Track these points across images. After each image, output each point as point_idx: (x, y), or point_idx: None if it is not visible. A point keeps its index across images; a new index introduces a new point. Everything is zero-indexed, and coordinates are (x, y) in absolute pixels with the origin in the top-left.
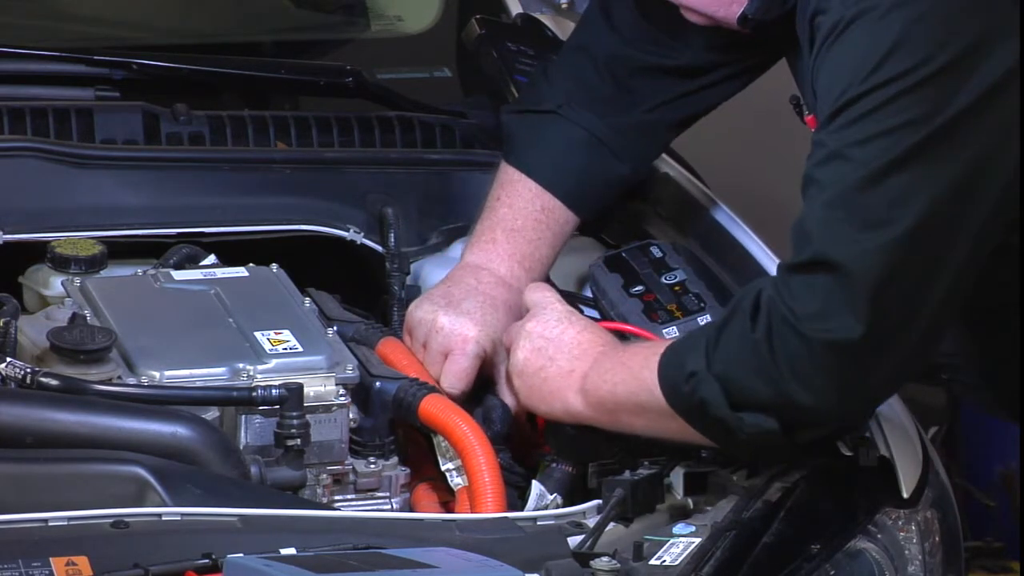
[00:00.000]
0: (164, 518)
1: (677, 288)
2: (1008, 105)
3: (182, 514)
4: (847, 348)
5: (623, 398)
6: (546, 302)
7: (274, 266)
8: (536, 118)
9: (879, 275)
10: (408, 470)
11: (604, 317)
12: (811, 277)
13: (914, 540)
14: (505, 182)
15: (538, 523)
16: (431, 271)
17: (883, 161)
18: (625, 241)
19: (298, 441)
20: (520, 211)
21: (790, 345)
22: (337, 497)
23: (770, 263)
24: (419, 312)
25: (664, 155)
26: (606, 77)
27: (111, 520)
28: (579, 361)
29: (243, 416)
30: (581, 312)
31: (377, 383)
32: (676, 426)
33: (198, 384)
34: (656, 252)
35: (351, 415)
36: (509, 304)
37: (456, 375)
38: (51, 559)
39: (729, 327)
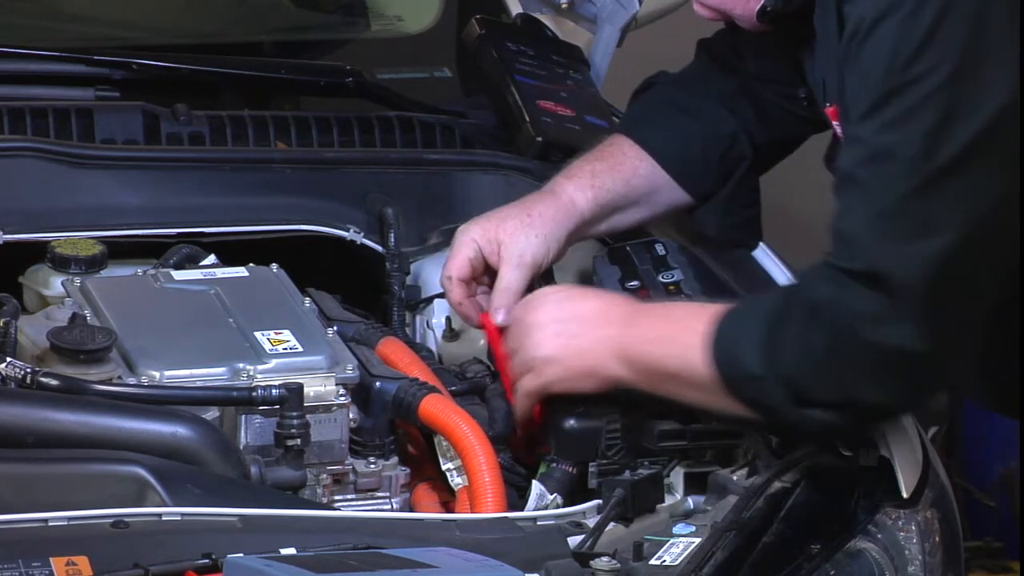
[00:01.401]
0: (164, 518)
1: (672, 288)
2: None
3: (182, 514)
4: (914, 353)
5: (674, 370)
6: (532, 295)
7: (274, 266)
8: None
9: (936, 283)
10: (408, 470)
11: None
12: (868, 286)
13: (914, 540)
14: None
15: (538, 523)
16: (431, 271)
17: (933, 165)
18: (625, 241)
19: (298, 441)
20: (595, 149)
21: (858, 352)
22: (337, 497)
23: (772, 264)
24: None
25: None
26: (703, 58)
27: (111, 520)
28: (608, 327)
29: (243, 416)
30: None
31: (377, 383)
32: (731, 404)
33: (198, 384)
34: (660, 250)
35: (351, 415)
36: (527, 201)
37: (446, 263)
38: (51, 559)
39: (786, 328)
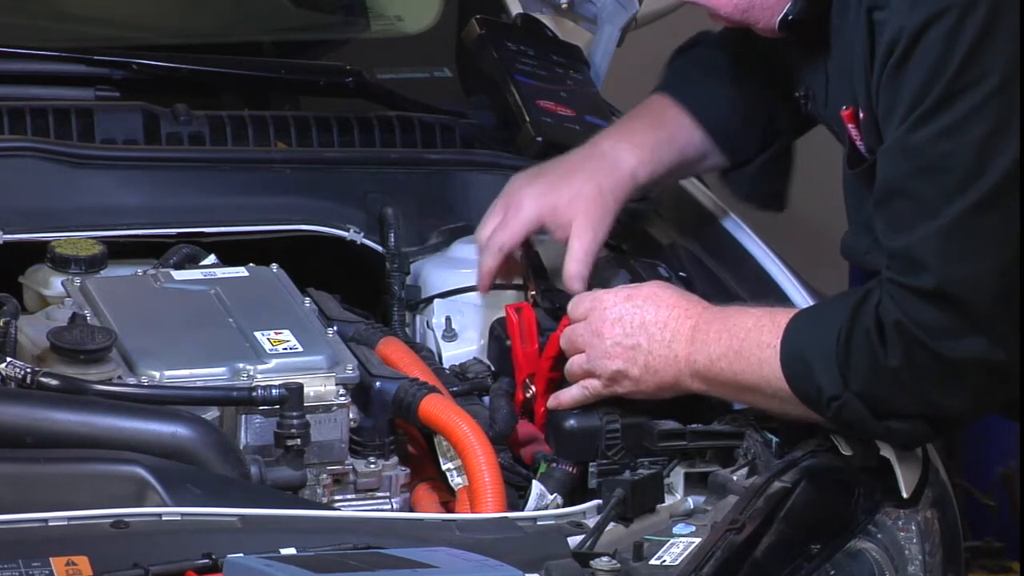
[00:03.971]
0: (164, 518)
1: None
2: None
3: (182, 514)
4: (994, 362)
5: (751, 385)
6: (594, 299)
7: (274, 266)
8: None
9: (1003, 295)
10: (408, 470)
11: None
12: (937, 304)
13: (914, 540)
14: None
15: (538, 523)
16: (431, 271)
17: (992, 176)
18: (625, 241)
19: (298, 441)
20: (640, 107)
21: (935, 366)
22: (337, 497)
23: (770, 263)
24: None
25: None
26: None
27: (111, 520)
28: (675, 344)
29: (243, 416)
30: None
31: (377, 383)
32: (812, 415)
33: (198, 384)
34: (663, 272)
35: (351, 415)
36: (591, 171)
37: (502, 229)
38: (51, 559)
39: (855, 345)
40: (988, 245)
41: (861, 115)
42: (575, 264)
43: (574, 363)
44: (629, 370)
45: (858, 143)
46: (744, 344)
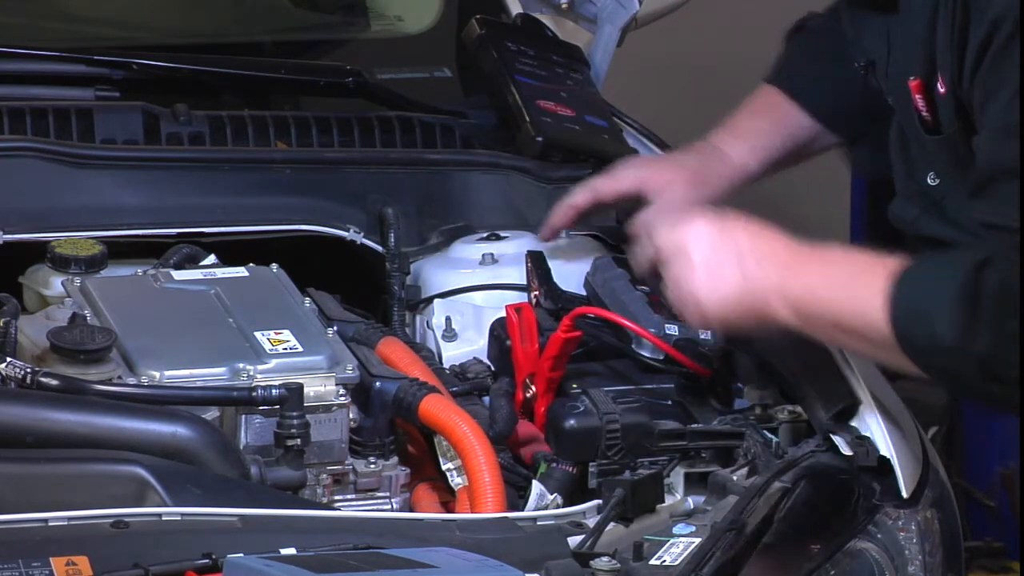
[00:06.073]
0: (164, 518)
1: None
2: None
3: (182, 514)
4: None
5: (847, 324)
6: (687, 220)
7: (274, 266)
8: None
9: None
10: (408, 470)
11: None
12: None
13: (914, 540)
14: None
15: (538, 523)
16: (431, 271)
17: None
18: (624, 241)
19: (298, 441)
20: (748, 99)
21: None
22: (337, 497)
23: None
24: None
25: (662, 154)
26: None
27: (111, 520)
28: (769, 267)
29: (243, 416)
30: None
31: (377, 383)
32: (904, 362)
33: (198, 384)
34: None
35: (351, 415)
36: (698, 156)
37: (602, 177)
38: (51, 559)
39: (982, 308)
40: None
41: (941, 89)
42: (651, 213)
43: (672, 287)
44: (716, 295)
45: (923, 114)
46: (847, 281)
